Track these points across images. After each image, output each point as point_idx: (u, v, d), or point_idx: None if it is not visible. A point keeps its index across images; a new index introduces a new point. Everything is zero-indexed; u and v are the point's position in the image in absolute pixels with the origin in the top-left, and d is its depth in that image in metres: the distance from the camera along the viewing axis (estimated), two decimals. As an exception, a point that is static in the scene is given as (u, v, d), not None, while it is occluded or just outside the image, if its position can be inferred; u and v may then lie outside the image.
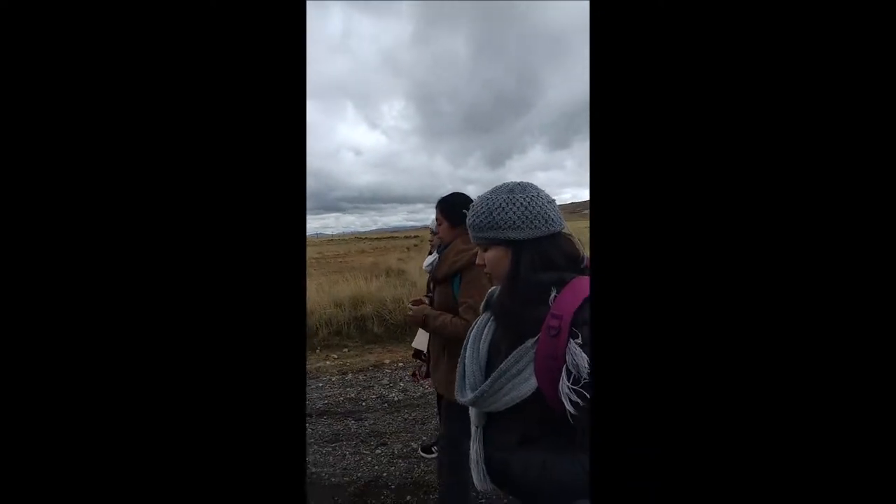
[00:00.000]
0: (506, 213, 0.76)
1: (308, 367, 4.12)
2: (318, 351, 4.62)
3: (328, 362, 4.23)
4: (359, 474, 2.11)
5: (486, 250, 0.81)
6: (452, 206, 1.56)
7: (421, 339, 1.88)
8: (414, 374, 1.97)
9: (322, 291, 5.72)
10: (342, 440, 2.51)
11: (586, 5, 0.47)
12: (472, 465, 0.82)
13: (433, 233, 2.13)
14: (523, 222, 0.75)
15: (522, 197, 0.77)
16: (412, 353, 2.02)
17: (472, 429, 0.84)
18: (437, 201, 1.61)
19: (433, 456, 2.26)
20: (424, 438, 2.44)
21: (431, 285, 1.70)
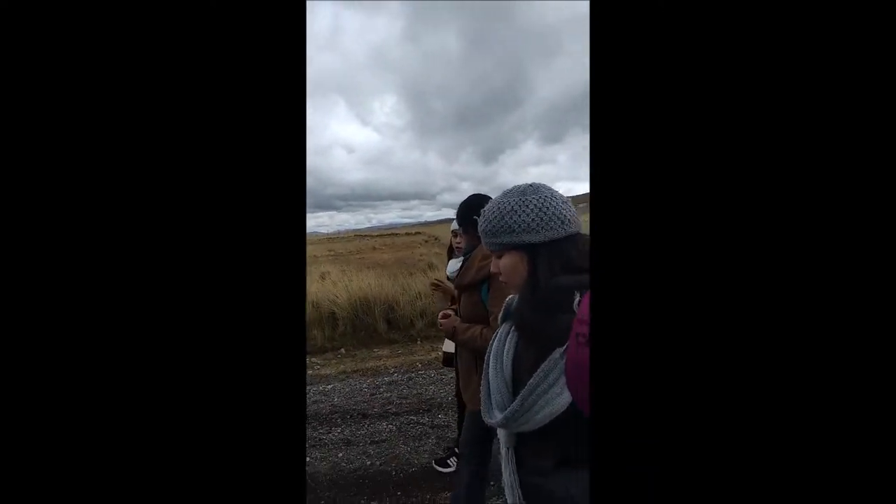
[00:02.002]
0: (519, 216, 0.71)
1: (421, 358, 4.05)
2: (419, 342, 4.55)
3: (435, 354, 4.16)
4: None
5: (500, 257, 0.75)
6: (466, 209, 1.47)
7: (451, 342, 1.75)
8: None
9: (398, 283, 5.64)
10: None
11: (577, 2, 0.45)
12: (507, 490, 0.75)
13: (455, 234, 1.96)
14: (538, 224, 0.70)
15: (535, 198, 0.72)
16: (442, 358, 1.89)
17: (503, 450, 0.75)
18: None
19: (450, 470, 2.13)
20: (439, 452, 2.31)
21: (457, 293, 1.55)
